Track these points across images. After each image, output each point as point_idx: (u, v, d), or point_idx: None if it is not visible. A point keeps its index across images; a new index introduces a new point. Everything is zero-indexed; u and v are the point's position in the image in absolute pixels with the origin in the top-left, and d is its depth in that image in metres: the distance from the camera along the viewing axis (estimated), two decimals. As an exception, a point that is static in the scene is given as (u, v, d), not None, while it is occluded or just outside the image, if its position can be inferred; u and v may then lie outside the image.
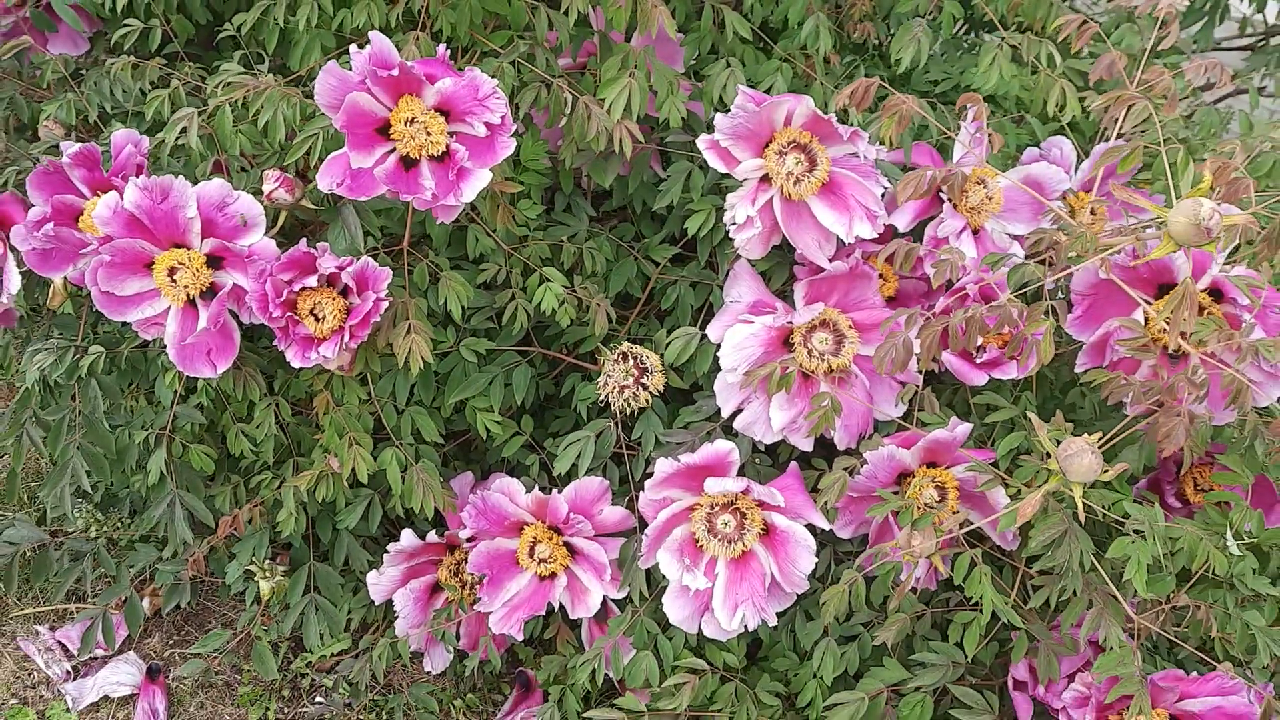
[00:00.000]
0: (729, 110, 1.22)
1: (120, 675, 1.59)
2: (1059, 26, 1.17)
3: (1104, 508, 1.17)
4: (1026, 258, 1.17)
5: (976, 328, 1.07)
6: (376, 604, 1.50)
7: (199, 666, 1.58)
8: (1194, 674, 1.17)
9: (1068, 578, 1.17)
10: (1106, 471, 1.08)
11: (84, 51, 1.54)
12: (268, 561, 1.51)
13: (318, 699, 1.59)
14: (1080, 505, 1.08)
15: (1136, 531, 1.13)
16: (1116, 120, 1.07)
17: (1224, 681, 1.15)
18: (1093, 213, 1.37)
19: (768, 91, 1.32)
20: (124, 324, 1.38)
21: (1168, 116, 1.23)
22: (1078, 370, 1.26)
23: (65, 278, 1.31)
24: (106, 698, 1.57)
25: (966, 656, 1.25)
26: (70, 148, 1.27)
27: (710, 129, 1.24)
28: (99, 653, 1.61)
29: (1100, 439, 1.11)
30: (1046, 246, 1.12)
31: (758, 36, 1.43)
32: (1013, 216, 1.34)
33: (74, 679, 1.59)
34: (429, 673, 1.57)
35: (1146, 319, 1.19)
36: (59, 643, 1.62)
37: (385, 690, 1.61)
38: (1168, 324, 0.97)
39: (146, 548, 1.60)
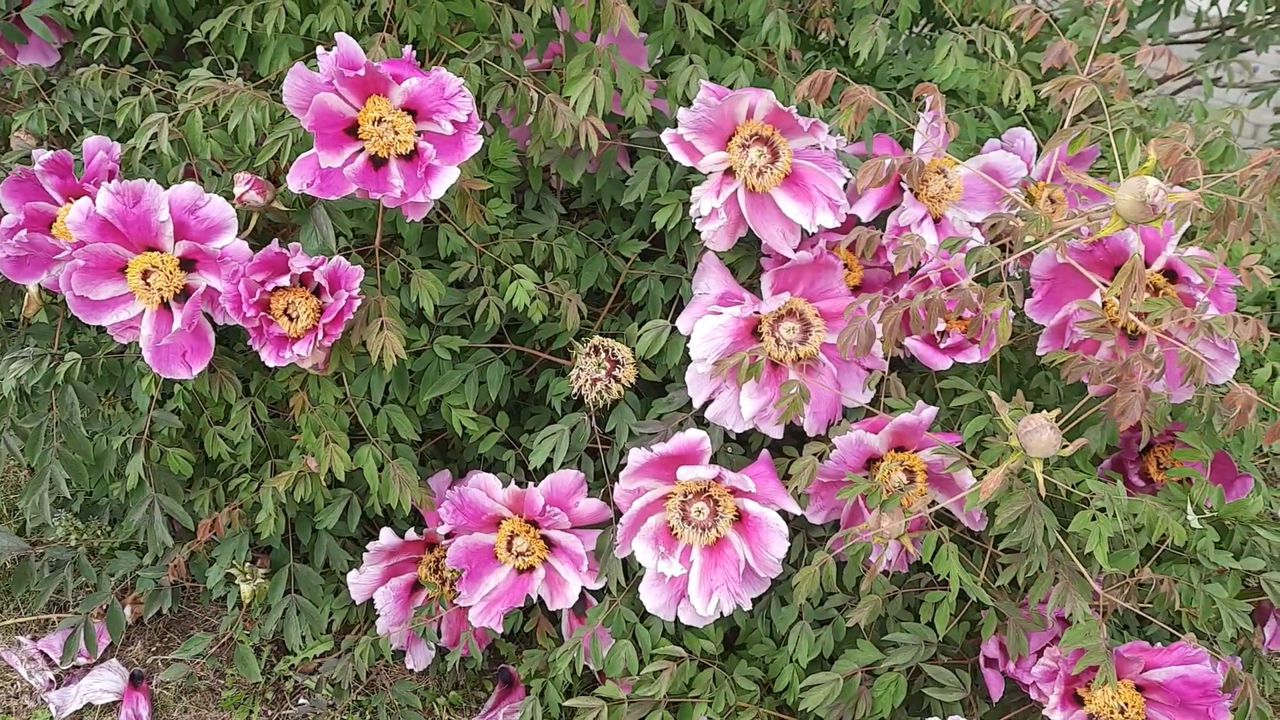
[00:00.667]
0: (693, 106, 1.25)
1: (103, 683, 1.60)
2: (1012, 16, 1.20)
3: (1069, 487, 1.19)
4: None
5: (936, 310, 1.10)
6: (357, 604, 1.51)
7: (182, 671, 1.59)
8: (1158, 645, 1.20)
9: (1033, 554, 1.19)
10: (1065, 447, 1.11)
11: (54, 62, 1.55)
12: (248, 564, 1.52)
13: (301, 701, 1.60)
14: (1040, 480, 1.11)
15: (1100, 509, 1.16)
16: (1068, 104, 1.10)
17: (1186, 651, 1.17)
18: (1051, 200, 1.40)
19: (731, 88, 1.35)
20: (99, 331, 1.39)
21: (1119, 101, 1.26)
22: (1039, 353, 1.28)
23: (40, 285, 1.32)
24: (90, 705, 1.58)
25: (938, 636, 1.27)
26: (42, 155, 1.28)
27: (675, 125, 1.27)
28: (81, 661, 1.62)
29: (1061, 418, 1.14)
30: (1003, 231, 1.15)
31: (720, 35, 1.46)
32: (973, 205, 1.37)
33: (57, 688, 1.59)
34: (412, 671, 1.59)
35: (1104, 301, 1.22)
36: (41, 652, 1.63)
37: (368, 690, 1.62)
38: (1118, 299, 0.99)
39: (127, 555, 1.61)
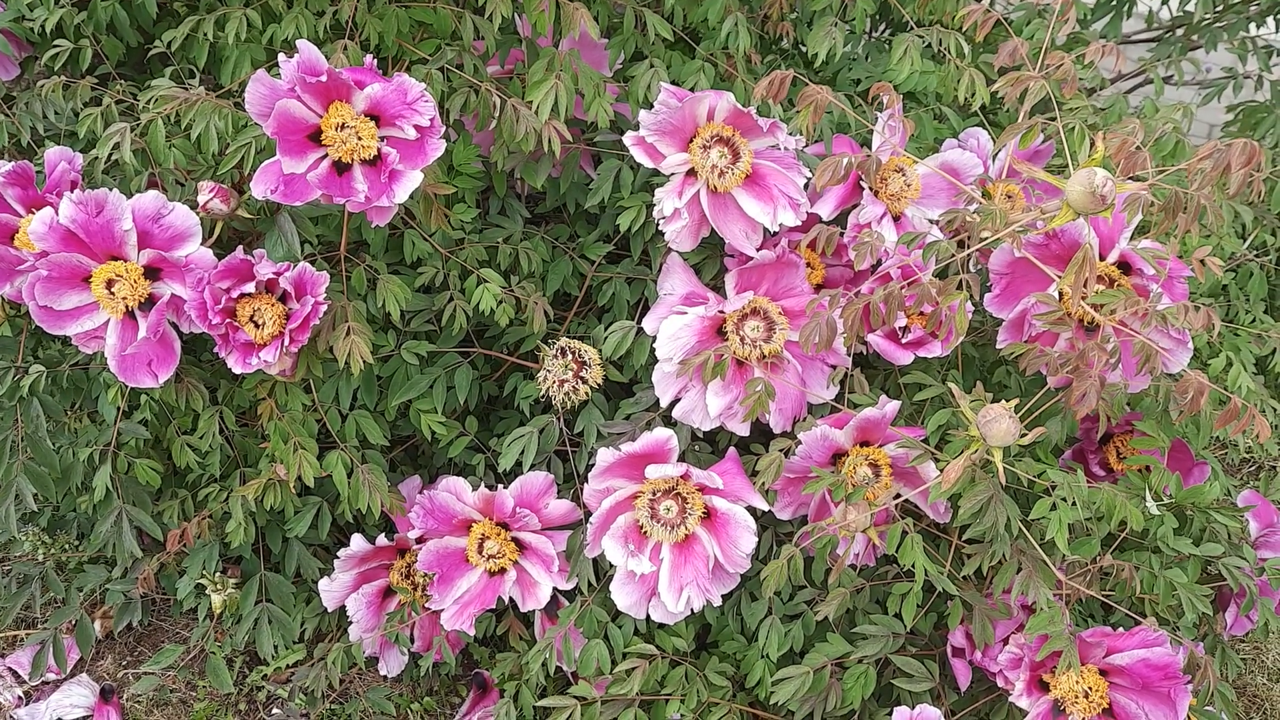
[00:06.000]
0: (654, 108, 1.26)
1: (73, 698, 1.58)
2: (965, 16, 1.22)
3: (1031, 477, 1.21)
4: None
5: (896, 304, 1.12)
6: (330, 611, 1.51)
7: (153, 684, 1.58)
8: (1121, 630, 1.22)
9: (997, 543, 1.21)
10: (1024, 436, 1.13)
11: (14, 75, 1.54)
12: (218, 575, 1.52)
13: (274, 710, 1.60)
14: (1001, 468, 1.13)
15: (1061, 498, 1.18)
16: (1021, 102, 1.13)
17: (1148, 635, 1.19)
18: (1008, 196, 1.43)
19: (691, 90, 1.37)
20: (64, 344, 1.39)
21: (1072, 100, 1.29)
22: (999, 346, 1.31)
23: (3, 296, 1.31)
24: (60, 720, 1.57)
25: (906, 627, 1.29)
26: (3, 167, 1.28)
27: (637, 128, 1.28)
28: (51, 676, 1.61)
29: (1020, 407, 1.16)
30: (960, 227, 1.17)
31: (681, 40, 1.47)
32: (931, 202, 1.40)
33: (26, 704, 1.58)
34: (385, 677, 1.59)
35: (1061, 294, 1.25)
36: (9, 669, 1.61)
37: (342, 698, 1.61)
38: (1071, 289, 1.01)
39: (96, 568, 1.60)
